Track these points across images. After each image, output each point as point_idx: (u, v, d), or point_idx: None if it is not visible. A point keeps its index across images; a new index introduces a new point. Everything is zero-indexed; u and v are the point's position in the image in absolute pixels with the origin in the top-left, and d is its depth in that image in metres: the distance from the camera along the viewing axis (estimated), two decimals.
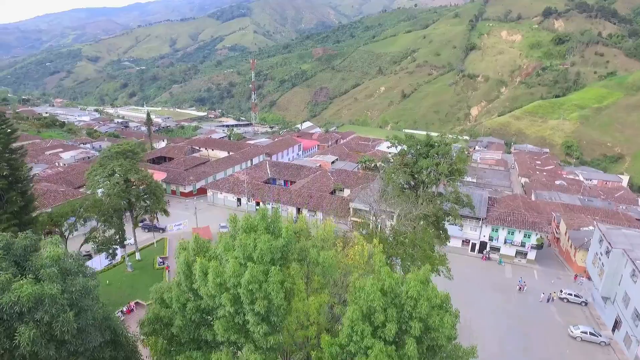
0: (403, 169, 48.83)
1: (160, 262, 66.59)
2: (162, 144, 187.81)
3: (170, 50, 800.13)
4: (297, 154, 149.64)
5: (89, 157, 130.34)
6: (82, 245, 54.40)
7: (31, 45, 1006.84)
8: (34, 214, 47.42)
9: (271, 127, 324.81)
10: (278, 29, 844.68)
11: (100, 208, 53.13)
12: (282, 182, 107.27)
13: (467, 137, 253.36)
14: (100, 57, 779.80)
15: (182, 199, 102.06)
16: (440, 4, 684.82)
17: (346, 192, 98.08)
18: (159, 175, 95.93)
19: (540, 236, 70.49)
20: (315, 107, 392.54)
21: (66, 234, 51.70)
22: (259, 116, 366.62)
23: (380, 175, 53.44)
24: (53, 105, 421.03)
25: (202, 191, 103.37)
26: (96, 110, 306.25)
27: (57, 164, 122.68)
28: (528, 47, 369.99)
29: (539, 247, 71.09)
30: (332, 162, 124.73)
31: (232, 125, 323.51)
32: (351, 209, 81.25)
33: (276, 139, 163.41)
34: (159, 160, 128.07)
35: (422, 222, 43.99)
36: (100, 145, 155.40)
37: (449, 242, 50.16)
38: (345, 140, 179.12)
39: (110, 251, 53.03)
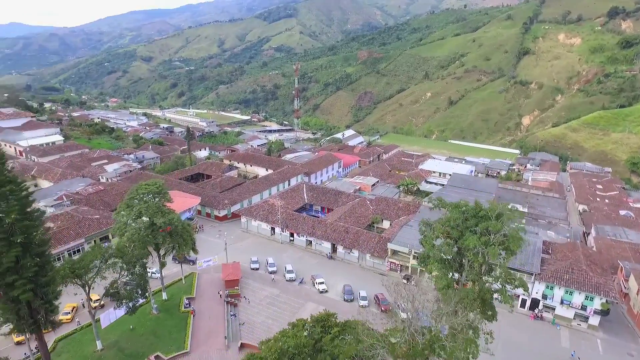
0: (447, 240, 42.93)
1: (187, 304, 64.08)
2: (204, 153, 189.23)
3: (219, 50, 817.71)
4: (337, 172, 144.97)
5: (130, 171, 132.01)
6: (103, 296, 52.54)
7: (93, 46, 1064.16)
8: (57, 264, 46.02)
9: (313, 133, 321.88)
10: (324, 30, 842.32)
11: (124, 256, 50.86)
12: (319, 209, 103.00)
13: (517, 151, 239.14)
14: (153, 57, 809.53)
15: (216, 222, 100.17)
16: (492, 4, 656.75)
17: (386, 224, 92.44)
18: (193, 201, 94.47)
19: (607, 301, 61.16)
20: (359, 112, 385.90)
21: (89, 283, 49.77)
22: (302, 120, 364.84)
23: (420, 241, 47.60)
24: (107, 106, 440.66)
25: (237, 214, 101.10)
26: (144, 115, 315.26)
27: (100, 177, 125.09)
28: (589, 52, 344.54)
29: (604, 313, 61.94)
30: (373, 185, 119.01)
31: (275, 131, 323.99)
32: (389, 250, 75.82)
33: (316, 153, 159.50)
34: (197, 177, 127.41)
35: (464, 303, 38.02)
36: (143, 155, 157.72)
37: (496, 320, 43.53)
38: (387, 155, 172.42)
39: (131, 304, 50.67)
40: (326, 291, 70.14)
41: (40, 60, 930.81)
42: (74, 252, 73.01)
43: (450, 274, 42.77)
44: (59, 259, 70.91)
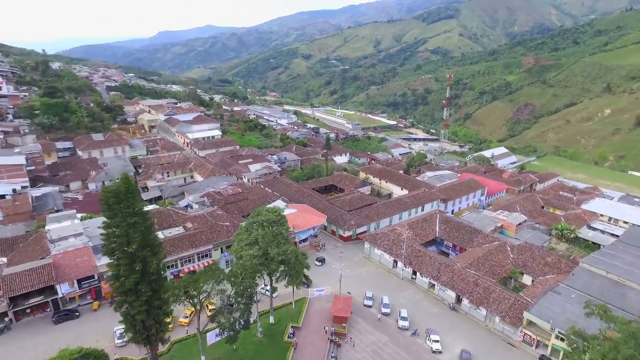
0: None
1: (290, 334, 62.70)
2: (344, 159, 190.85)
3: (374, 50, 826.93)
4: (479, 199, 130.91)
5: (270, 173, 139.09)
6: (208, 321, 54.04)
7: (263, 44, 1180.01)
8: (174, 283, 48.61)
9: (460, 146, 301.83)
10: (486, 32, 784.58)
11: (233, 284, 51.39)
12: (451, 246, 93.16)
13: None
14: (312, 55, 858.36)
15: (339, 242, 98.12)
16: None
17: (526, 279, 78.63)
18: (319, 219, 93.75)
19: None
20: (516, 126, 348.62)
21: (200, 303, 51.44)
22: (450, 130, 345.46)
23: (567, 354, 36.81)
24: (266, 100, 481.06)
25: (362, 233, 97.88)
26: (295, 113, 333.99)
27: (243, 176, 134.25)
28: None
29: None
30: (518, 224, 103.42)
31: (420, 139, 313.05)
32: (525, 319, 63.54)
33: (459, 175, 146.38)
34: (330, 188, 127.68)
35: None
36: (285, 157, 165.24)
37: None
38: (542, 185, 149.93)
39: (232, 334, 50.82)
40: (440, 352, 61.80)
41: (221, 56, 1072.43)
42: (203, 256, 78.13)
43: None
44: (189, 261, 76.92)
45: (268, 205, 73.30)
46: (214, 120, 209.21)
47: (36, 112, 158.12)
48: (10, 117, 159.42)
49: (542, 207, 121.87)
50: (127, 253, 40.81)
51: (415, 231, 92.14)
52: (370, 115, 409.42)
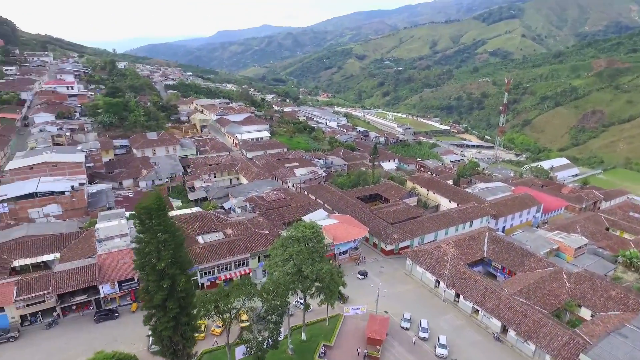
0: None
1: (322, 353, 60.72)
2: (392, 165, 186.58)
3: (430, 52, 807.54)
4: (534, 216, 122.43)
5: (315, 178, 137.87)
6: (236, 340, 53.25)
7: (318, 44, 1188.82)
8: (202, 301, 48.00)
9: (517, 155, 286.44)
10: (552, 33, 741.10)
11: (265, 300, 50.32)
12: (499, 268, 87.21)
13: None
14: (366, 55, 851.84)
15: (380, 256, 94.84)
16: None
17: (584, 312, 71.68)
18: (360, 232, 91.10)
19: None
20: (580, 134, 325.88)
21: (230, 319, 50.80)
22: (506, 136, 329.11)
23: None
24: (318, 101, 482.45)
25: (405, 247, 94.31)
26: (345, 116, 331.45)
27: (287, 181, 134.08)
28: None
29: None
30: (578, 248, 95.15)
31: (473, 146, 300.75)
32: None
33: (513, 188, 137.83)
34: (374, 197, 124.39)
35: None
36: (332, 162, 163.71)
37: None
38: (608, 204, 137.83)
39: (260, 353, 49.63)
40: None
41: (276, 55, 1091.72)
42: (240, 264, 77.89)
43: None
44: (226, 268, 76.99)
45: (305, 218, 71.82)
46: (264, 121, 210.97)
47: (99, 110, 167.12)
48: (77, 114, 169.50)
49: (607, 229, 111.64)
50: (156, 270, 40.66)
51: (461, 249, 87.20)
52: (422, 119, 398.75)
